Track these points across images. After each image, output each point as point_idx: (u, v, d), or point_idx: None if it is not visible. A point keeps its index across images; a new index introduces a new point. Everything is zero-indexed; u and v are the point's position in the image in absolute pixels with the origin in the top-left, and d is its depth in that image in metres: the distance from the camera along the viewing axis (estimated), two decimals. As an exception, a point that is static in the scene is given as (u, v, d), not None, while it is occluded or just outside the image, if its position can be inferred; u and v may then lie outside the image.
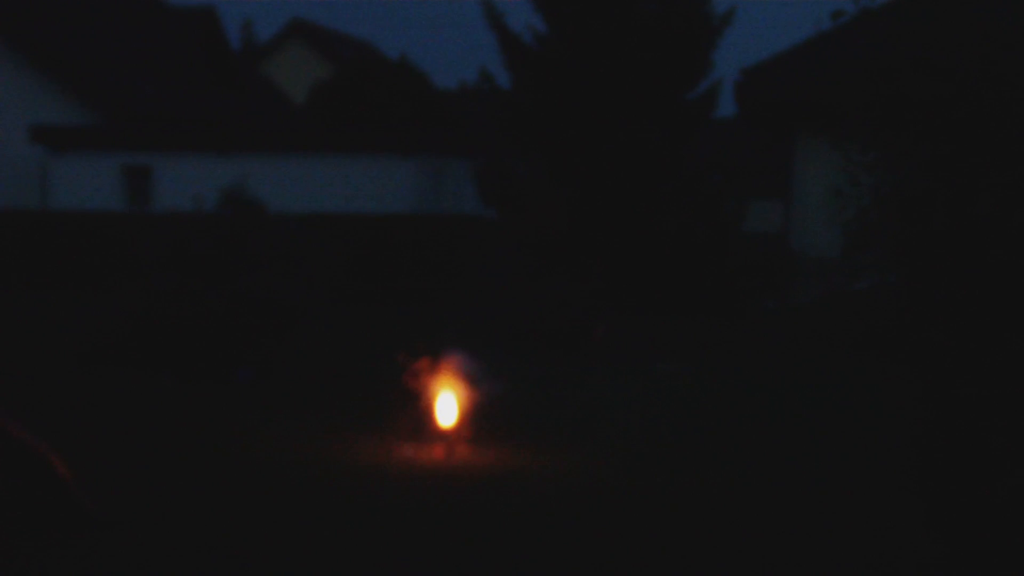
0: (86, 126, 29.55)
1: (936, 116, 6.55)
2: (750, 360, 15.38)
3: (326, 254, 15.53)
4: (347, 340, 15.59)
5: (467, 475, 9.66)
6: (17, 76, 30.87)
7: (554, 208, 20.29)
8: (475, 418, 10.69)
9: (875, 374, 13.27)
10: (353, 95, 34.83)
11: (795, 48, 22.37)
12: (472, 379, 10.74)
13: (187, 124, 31.24)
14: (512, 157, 22.11)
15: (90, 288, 18.77)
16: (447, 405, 10.70)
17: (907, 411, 6.94)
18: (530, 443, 10.68)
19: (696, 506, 8.72)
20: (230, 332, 14.07)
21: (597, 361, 14.71)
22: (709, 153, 23.07)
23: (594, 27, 20.84)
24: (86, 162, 27.55)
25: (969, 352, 6.38)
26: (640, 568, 7.34)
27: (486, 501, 8.85)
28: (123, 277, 15.15)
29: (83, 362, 14.42)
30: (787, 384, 13.82)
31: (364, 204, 25.92)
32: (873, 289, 7.41)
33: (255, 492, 9.04)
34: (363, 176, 26.53)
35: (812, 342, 16.06)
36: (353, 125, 31.47)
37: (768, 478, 9.54)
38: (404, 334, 10.95)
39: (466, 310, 11.10)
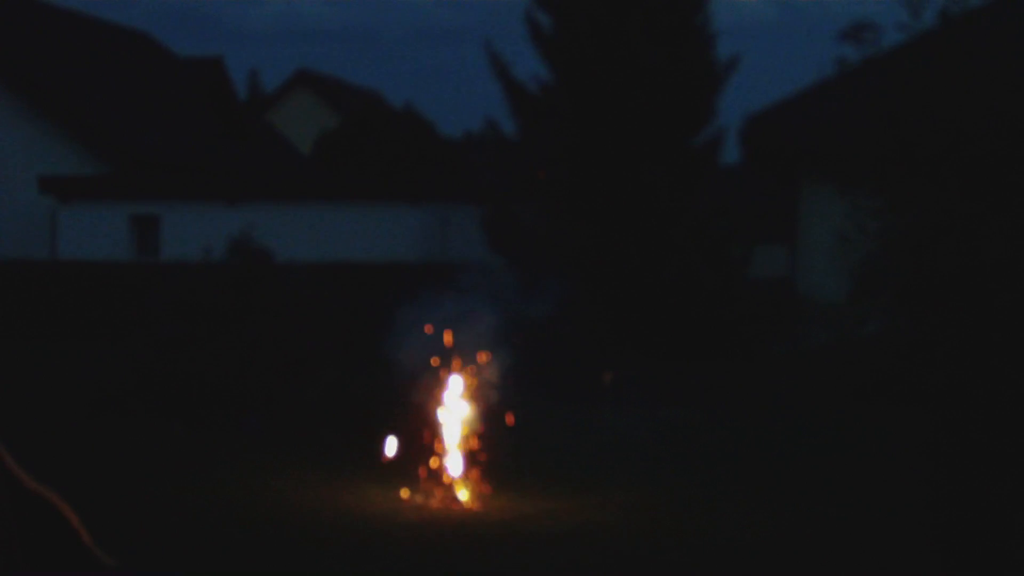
0: (94, 176, 29.66)
1: (942, 162, 6.59)
2: (758, 405, 15.36)
3: (333, 302, 15.54)
4: (355, 388, 15.58)
5: (477, 522, 9.65)
6: (25, 126, 31.02)
7: (560, 254, 20.33)
8: (484, 465, 10.68)
9: (883, 419, 13.24)
10: (359, 144, 34.97)
11: (799, 94, 22.44)
12: (480, 426, 10.74)
13: (195, 173, 31.36)
14: (519, 204, 22.16)
15: (99, 338, 18.80)
16: (455, 452, 10.70)
17: (917, 457, 6.94)
18: (539, 489, 10.67)
19: (708, 553, 8.70)
20: (238, 380, 14.09)
21: (606, 406, 14.69)
22: (714, 199, 23.04)
23: (598, 75, 20.93)
24: (94, 212, 27.63)
25: (978, 395, 6.39)
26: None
27: (496, 549, 8.84)
28: (132, 326, 15.15)
29: (93, 411, 14.43)
30: (795, 429, 13.79)
31: (371, 252, 25.95)
32: (881, 334, 7.41)
33: (266, 541, 9.04)
34: (369, 224, 26.58)
35: (820, 387, 16.03)
36: (359, 173, 31.56)
37: (774, 526, 9.52)
38: (412, 382, 10.96)
39: (474, 357, 11.10)
